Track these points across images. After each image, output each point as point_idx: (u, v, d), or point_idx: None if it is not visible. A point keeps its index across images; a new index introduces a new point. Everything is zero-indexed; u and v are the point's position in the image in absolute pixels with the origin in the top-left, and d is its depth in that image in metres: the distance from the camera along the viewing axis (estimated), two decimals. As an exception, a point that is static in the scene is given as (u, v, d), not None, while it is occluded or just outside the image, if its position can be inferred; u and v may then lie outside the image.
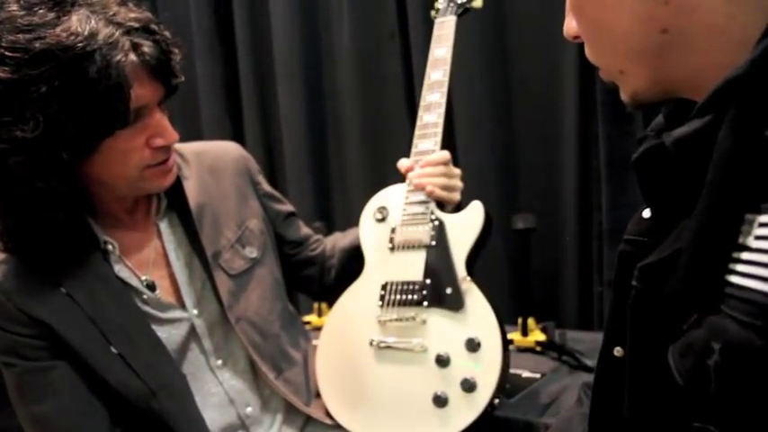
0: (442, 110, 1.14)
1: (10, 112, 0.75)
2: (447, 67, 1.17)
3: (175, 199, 1.01)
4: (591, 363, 1.26)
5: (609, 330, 0.62)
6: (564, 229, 1.68)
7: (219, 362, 1.01)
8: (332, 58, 2.06)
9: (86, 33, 0.76)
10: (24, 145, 0.76)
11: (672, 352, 0.46)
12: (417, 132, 1.16)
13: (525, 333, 1.45)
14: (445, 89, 1.16)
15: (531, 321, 1.47)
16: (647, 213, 0.58)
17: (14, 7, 0.76)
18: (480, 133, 1.75)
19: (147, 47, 0.82)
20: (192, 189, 1.02)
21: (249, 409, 1.03)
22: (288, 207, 1.21)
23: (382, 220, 1.14)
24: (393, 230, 1.11)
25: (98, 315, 0.90)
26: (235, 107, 2.32)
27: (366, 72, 1.96)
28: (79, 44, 0.75)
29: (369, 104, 1.98)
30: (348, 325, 1.11)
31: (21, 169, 0.79)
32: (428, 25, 1.79)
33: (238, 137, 2.29)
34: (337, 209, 2.15)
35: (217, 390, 1.01)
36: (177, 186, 1.00)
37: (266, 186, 1.18)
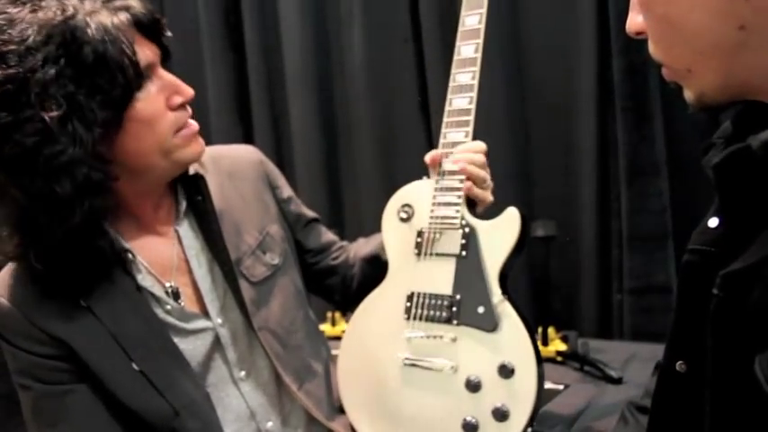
0: (474, 93, 1.00)
1: (30, 103, 0.75)
2: (480, 41, 1.01)
3: (195, 201, 0.98)
4: (615, 374, 1.23)
5: (672, 344, 0.60)
6: (582, 236, 1.65)
7: (243, 373, 0.98)
8: (343, 63, 2.04)
9: (71, 11, 0.77)
10: (53, 129, 0.75)
11: (759, 362, 0.45)
12: (446, 119, 1.03)
13: (546, 342, 1.43)
14: (478, 68, 1.01)
15: (551, 330, 1.45)
16: (713, 222, 0.57)
17: None
18: (497, 139, 1.72)
19: (133, 8, 0.82)
20: (212, 193, 0.99)
21: (270, 424, 1.00)
22: (309, 213, 1.17)
23: (407, 219, 1.05)
24: (419, 234, 1.02)
25: (119, 330, 0.87)
26: (245, 114, 2.30)
27: (378, 78, 1.94)
28: (70, 21, 0.76)
29: (381, 111, 1.95)
30: (371, 337, 1.05)
31: (56, 160, 0.76)
32: (442, 30, 1.78)
33: (248, 144, 2.27)
34: (349, 216, 2.12)
35: (238, 403, 0.98)
36: (197, 187, 0.97)
37: (286, 191, 1.14)
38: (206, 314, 0.96)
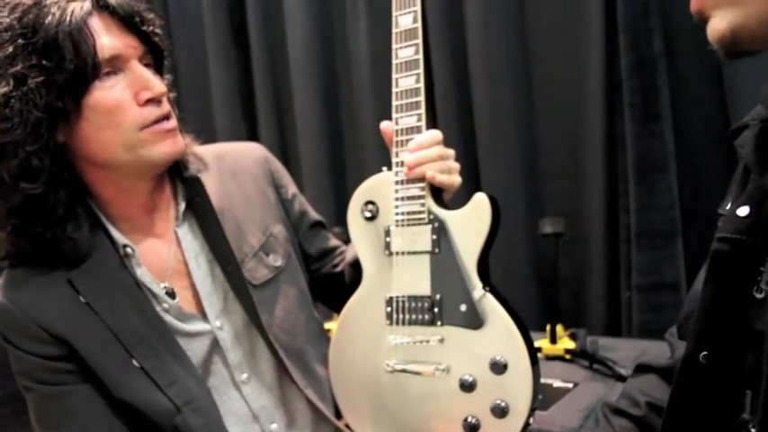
0: (420, 70, 0.92)
1: None
2: (417, 8, 0.92)
3: (195, 203, 0.96)
4: (625, 372, 1.22)
5: (698, 334, 0.59)
6: (591, 232, 1.64)
7: (244, 376, 0.97)
8: (348, 59, 2.03)
9: None
10: None
11: None
12: (395, 103, 0.95)
13: (554, 340, 1.42)
14: (420, 41, 0.92)
15: (559, 328, 1.44)
16: (743, 211, 0.55)
17: None
18: (503, 136, 1.72)
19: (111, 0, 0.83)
20: (212, 192, 0.97)
21: (274, 426, 0.99)
22: (314, 216, 1.15)
23: (372, 218, 0.98)
24: (387, 233, 0.96)
25: (119, 326, 0.86)
26: (250, 111, 2.30)
27: (383, 75, 1.92)
28: (39, 4, 0.79)
29: (386, 107, 1.93)
30: (358, 347, 1.00)
31: (1, 139, 0.78)
32: (449, 26, 1.77)
33: (253, 140, 2.26)
34: (355, 214, 2.11)
35: (240, 406, 0.97)
36: (197, 187, 0.96)
37: (291, 190, 1.11)
38: (204, 317, 0.95)
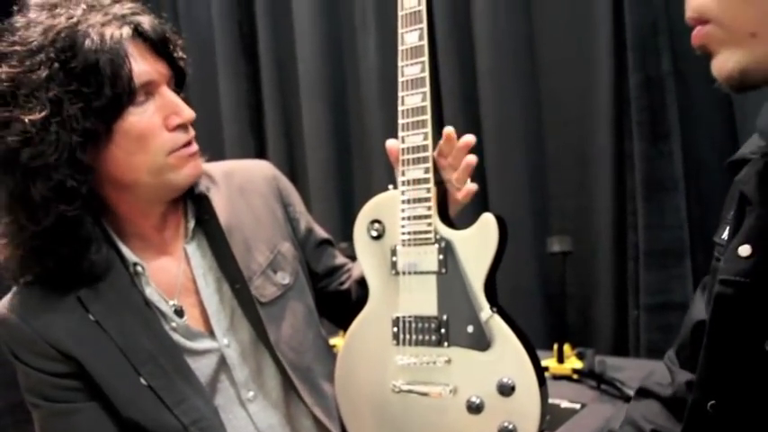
0: (426, 88, 0.92)
1: (17, 104, 0.77)
2: (423, 25, 0.91)
3: (204, 220, 0.97)
4: (633, 393, 1.21)
5: (703, 382, 0.56)
6: (598, 251, 1.63)
7: (251, 394, 0.97)
8: (357, 73, 2.03)
9: (76, 19, 0.79)
10: (32, 132, 0.77)
11: None
12: (401, 121, 0.94)
13: (561, 360, 1.41)
14: (426, 59, 0.92)
15: (566, 347, 1.43)
16: (744, 251, 0.52)
17: (16, 18, 0.82)
18: (511, 153, 1.71)
19: (144, 23, 0.83)
20: (221, 210, 0.98)
21: (280, 445, 0.98)
22: (321, 234, 1.14)
23: (378, 237, 0.98)
24: (394, 252, 0.96)
25: (127, 344, 0.86)
26: (258, 125, 2.30)
27: (392, 88, 1.92)
28: (73, 28, 0.78)
29: (395, 122, 1.94)
30: (364, 367, 1.00)
31: (33, 163, 0.78)
32: (458, 42, 1.77)
33: (261, 155, 2.27)
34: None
35: (245, 424, 0.96)
36: (205, 205, 0.96)
37: (299, 209, 1.11)
38: (212, 334, 0.95)
